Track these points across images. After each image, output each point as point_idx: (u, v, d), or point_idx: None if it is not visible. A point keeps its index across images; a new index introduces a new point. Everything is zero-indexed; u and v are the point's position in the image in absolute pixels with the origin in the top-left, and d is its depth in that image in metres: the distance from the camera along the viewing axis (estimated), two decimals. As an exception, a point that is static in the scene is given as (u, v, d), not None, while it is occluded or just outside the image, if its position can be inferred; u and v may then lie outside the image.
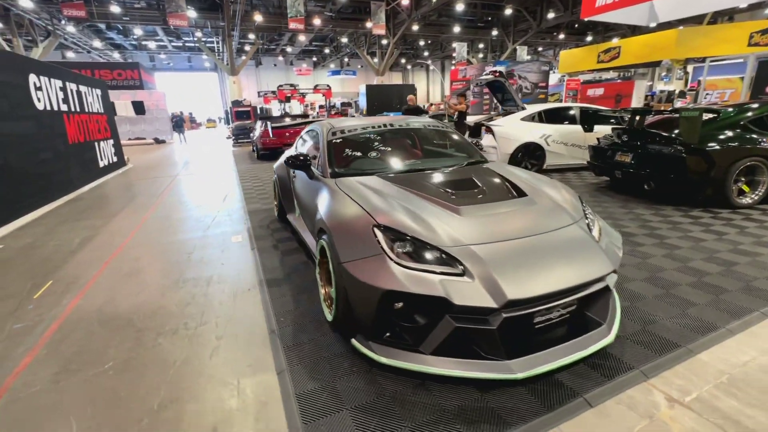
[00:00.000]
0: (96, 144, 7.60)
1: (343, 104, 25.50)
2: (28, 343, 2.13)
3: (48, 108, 5.66)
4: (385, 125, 3.15)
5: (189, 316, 2.33)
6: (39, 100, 5.41)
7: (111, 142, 8.55)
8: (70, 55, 26.76)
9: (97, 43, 25.96)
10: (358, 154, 2.89)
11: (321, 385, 1.68)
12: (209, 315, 2.34)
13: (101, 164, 7.78)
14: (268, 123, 9.79)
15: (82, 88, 7.15)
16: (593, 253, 1.82)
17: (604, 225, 2.23)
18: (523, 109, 7.23)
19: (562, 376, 1.67)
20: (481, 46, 31.86)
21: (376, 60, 29.09)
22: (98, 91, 8.04)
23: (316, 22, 24.08)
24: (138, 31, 25.39)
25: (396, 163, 2.81)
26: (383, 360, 1.69)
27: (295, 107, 23.51)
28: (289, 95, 21.84)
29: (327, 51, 34.38)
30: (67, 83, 6.47)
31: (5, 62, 4.87)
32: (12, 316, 2.46)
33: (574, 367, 1.72)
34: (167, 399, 1.66)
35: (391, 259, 1.68)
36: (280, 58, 36.23)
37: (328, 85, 25.12)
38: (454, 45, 26.95)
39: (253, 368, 1.83)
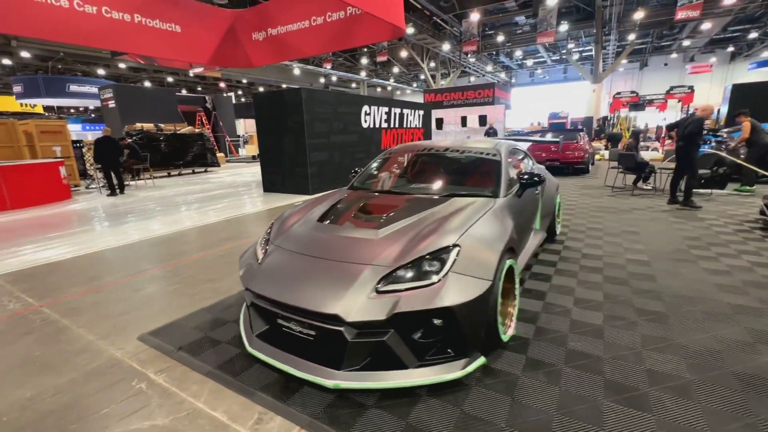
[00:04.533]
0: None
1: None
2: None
3: (371, 126, 9.39)
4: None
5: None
6: (366, 121, 9.17)
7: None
8: (472, 79, 35.41)
9: (489, 67, 32.79)
10: None
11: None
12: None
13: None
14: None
15: (405, 111, 10.74)
16: (342, 295, 1.87)
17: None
18: None
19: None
20: None
21: None
22: (420, 112, 11.56)
23: (727, 1, 18.20)
24: (518, 53, 29.59)
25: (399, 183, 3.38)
26: None
27: (646, 118, 19.25)
28: (630, 102, 18.42)
29: (753, 35, 24.57)
30: (392, 108, 10.13)
31: (351, 99, 8.78)
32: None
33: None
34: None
35: None
36: (674, 55, 29.75)
37: (690, 87, 18.53)
38: None
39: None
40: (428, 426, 1.70)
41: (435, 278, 1.91)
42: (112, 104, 15.25)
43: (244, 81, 31.07)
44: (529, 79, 37.31)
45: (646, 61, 32.06)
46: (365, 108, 9.19)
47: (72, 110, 34.68)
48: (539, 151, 9.68)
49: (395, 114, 10.39)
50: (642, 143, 12.75)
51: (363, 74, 33.15)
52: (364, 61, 30.05)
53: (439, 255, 2.01)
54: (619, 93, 21.22)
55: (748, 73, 26.26)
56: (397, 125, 10.54)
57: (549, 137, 10.60)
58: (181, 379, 2.09)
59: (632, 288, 3.05)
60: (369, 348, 1.87)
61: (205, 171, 14.18)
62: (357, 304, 1.85)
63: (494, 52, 30.32)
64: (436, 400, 1.87)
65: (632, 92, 21.01)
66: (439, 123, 21.19)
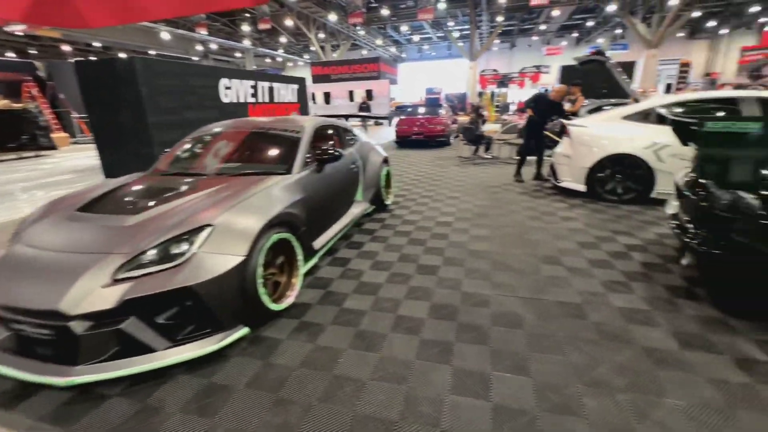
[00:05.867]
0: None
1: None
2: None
3: (233, 101, 8.78)
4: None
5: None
6: (227, 96, 8.53)
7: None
8: (364, 52, 35.36)
9: (379, 41, 33.04)
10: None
11: None
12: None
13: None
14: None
15: (276, 85, 10.28)
16: (66, 289, 1.76)
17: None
18: (635, 101, 4.68)
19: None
20: None
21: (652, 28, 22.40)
22: (294, 86, 11.19)
23: (567, -8, 21.13)
24: (405, 28, 30.36)
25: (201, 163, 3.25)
26: None
27: (518, 95, 21.86)
28: (495, 79, 20.75)
29: (591, 24, 29.19)
30: (259, 82, 9.59)
31: (205, 71, 8.04)
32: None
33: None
34: None
35: None
36: (535, 38, 33.80)
37: (537, 67, 21.75)
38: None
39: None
40: (163, 403, 1.76)
41: (180, 260, 1.92)
42: None
43: (97, 44, 26.13)
44: (418, 55, 38.74)
45: (514, 42, 35.79)
46: (224, 81, 8.51)
47: None
48: (405, 125, 10.27)
49: (264, 88, 9.87)
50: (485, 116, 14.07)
51: (247, 43, 30.56)
52: (246, 28, 27.66)
53: (189, 236, 2.01)
54: (484, 71, 23.42)
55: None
56: (266, 100, 10.05)
57: (422, 111, 11.31)
58: None
59: (426, 247, 3.51)
60: (108, 338, 1.82)
61: (36, 156, 11.72)
62: (85, 295, 1.77)
63: (383, 26, 30.64)
64: (188, 375, 1.93)
65: (494, 70, 23.37)
66: (327, 97, 20.88)
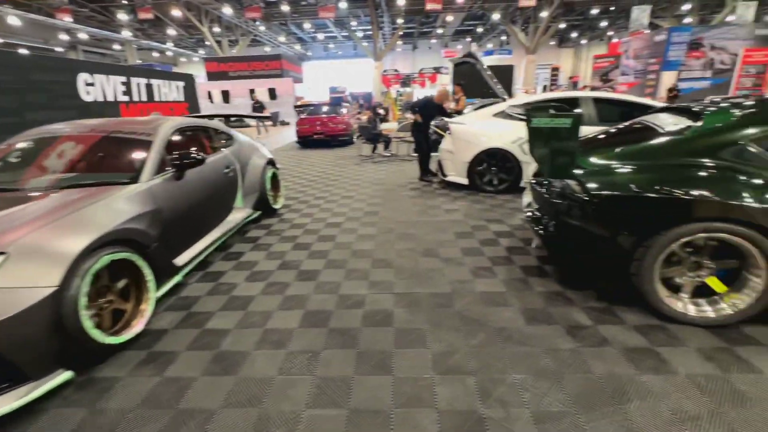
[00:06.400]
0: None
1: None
2: None
3: (99, 99, 7.60)
4: None
5: None
6: (89, 93, 7.33)
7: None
8: (267, 49, 33.77)
9: (282, 38, 31.86)
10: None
11: None
12: None
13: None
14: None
15: (155, 82, 9.18)
16: None
17: None
18: (503, 99, 5.23)
19: None
20: (687, 7, 23.35)
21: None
22: (179, 83, 10.14)
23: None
24: (308, 25, 29.75)
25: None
26: None
27: (422, 93, 23.10)
28: (397, 79, 21.71)
29: (480, 30, 32.03)
30: (132, 78, 8.45)
31: (56, 64, 6.79)
32: None
33: None
34: None
35: None
36: (434, 40, 35.94)
37: (435, 69, 23.53)
38: (634, 10, 20.65)
39: None
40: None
41: None
42: None
43: None
44: (324, 53, 38.34)
45: (416, 44, 37.58)
46: (84, 76, 7.29)
47: None
48: (306, 125, 10.02)
49: (139, 85, 8.73)
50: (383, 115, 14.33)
51: (128, 34, 26.93)
52: (124, 17, 24.31)
53: None
54: (386, 70, 24.21)
55: (483, 59, 34.12)
56: (144, 99, 8.91)
57: (325, 109, 11.07)
58: None
59: (311, 251, 3.39)
60: None
61: None
62: None
63: (284, 23, 29.57)
64: (-22, 445, 1.53)
65: (395, 71, 24.30)
66: (226, 96, 19.45)
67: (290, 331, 2.22)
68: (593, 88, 18.33)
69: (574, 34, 32.98)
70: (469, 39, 35.85)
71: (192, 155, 2.84)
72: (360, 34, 31.34)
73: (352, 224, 4.07)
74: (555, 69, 25.40)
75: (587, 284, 2.59)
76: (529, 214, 2.93)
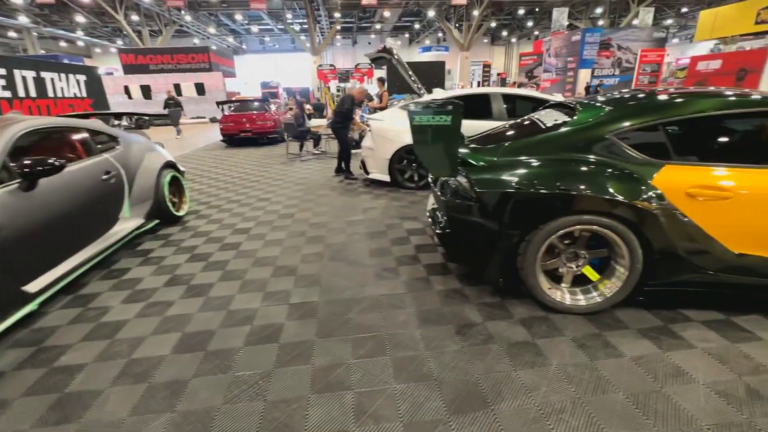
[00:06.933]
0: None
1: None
2: None
3: (-31, 95, 6.50)
4: None
5: None
6: (-47, 88, 6.23)
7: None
8: (196, 41, 31.51)
9: (212, 29, 29.89)
10: None
11: None
12: None
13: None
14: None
15: (47, 75, 8.06)
16: None
17: None
18: (419, 95, 5.27)
19: None
20: (599, 10, 25.55)
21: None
22: (80, 77, 9.02)
23: (389, -4, 22.83)
24: (240, 17, 28.19)
25: None
26: None
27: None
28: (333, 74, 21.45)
29: (418, 26, 32.53)
30: (15, 70, 7.34)
31: None
32: None
33: None
34: None
35: None
36: (373, 36, 35.87)
37: (369, 63, 23.67)
38: (554, 11, 22.17)
39: None
40: None
41: None
42: None
43: None
44: (261, 47, 36.67)
45: (356, 39, 37.24)
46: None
47: None
48: (231, 122, 9.42)
49: (26, 78, 7.59)
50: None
51: (25, 20, 23.62)
52: (19, 0, 21.25)
53: None
54: (321, 65, 23.74)
55: (419, 55, 34.66)
56: (33, 94, 7.78)
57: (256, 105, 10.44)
58: None
59: (208, 262, 3.11)
60: None
61: None
62: None
63: (213, 13, 27.73)
64: None
65: (331, 65, 23.85)
66: (147, 91, 17.81)
67: (159, 360, 1.97)
68: (520, 85, 19.39)
69: (504, 33, 34.73)
70: (407, 35, 36.30)
71: (46, 161, 2.43)
72: (297, 28, 30.33)
73: (262, 229, 3.82)
74: (487, 66, 26.48)
75: (481, 280, 2.62)
76: (428, 213, 2.91)
